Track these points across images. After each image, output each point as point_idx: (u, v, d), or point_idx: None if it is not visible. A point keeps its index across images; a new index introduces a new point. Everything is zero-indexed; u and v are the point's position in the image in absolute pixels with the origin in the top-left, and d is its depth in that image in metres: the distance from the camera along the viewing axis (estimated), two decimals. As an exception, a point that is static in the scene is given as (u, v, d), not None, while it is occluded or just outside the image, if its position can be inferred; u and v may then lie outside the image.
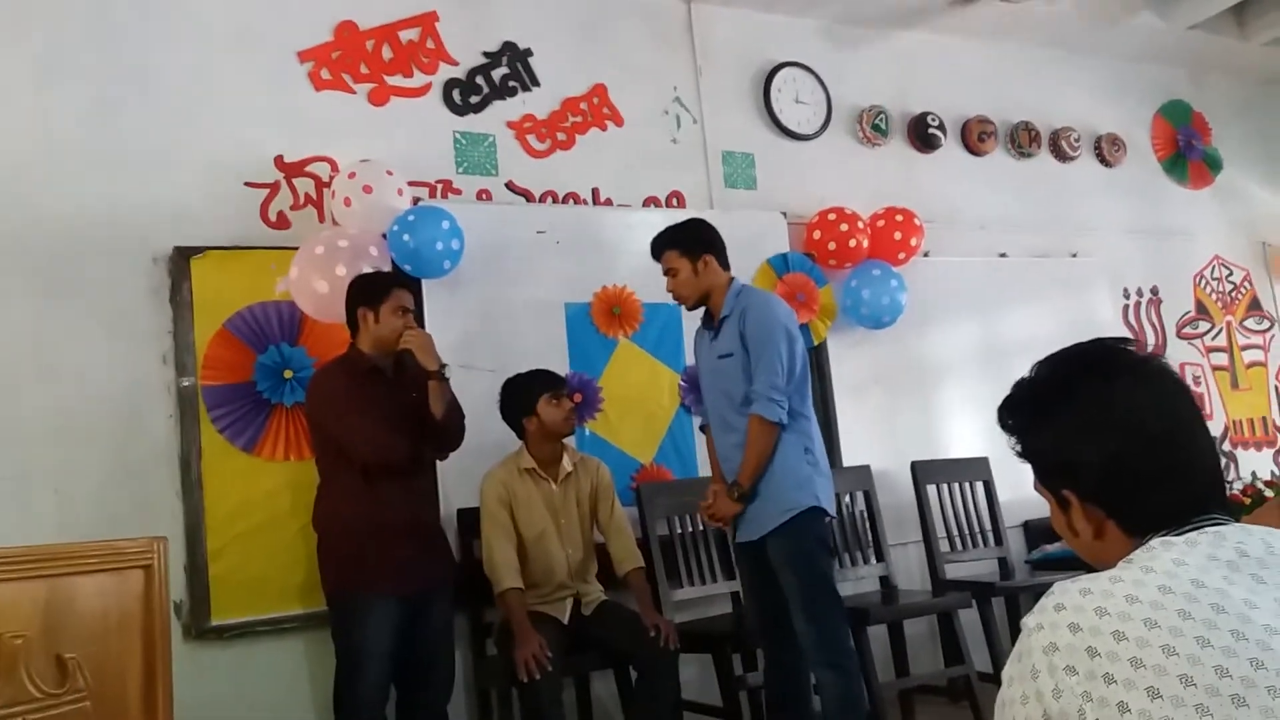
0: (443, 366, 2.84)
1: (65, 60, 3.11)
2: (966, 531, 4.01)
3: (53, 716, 1.65)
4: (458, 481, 3.20)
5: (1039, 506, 4.33)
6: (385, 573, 2.72)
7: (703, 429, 3.19)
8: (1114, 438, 0.96)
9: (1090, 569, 0.95)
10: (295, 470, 3.12)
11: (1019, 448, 1.05)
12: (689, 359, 3.74)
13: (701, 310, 3.03)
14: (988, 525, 4.07)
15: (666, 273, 2.99)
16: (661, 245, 2.99)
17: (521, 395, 3.12)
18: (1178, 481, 0.95)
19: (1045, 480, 1.03)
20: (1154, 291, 5.08)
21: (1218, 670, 0.78)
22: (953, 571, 3.91)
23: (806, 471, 2.83)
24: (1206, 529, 0.91)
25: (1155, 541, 0.91)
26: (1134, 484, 0.95)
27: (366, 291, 2.88)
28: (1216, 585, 0.84)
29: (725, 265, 2.99)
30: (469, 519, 3.21)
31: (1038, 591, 4.11)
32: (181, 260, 3.12)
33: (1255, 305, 5.39)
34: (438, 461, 3.04)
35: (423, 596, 2.80)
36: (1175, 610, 0.82)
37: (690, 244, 2.95)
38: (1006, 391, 1.09)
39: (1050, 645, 0.84)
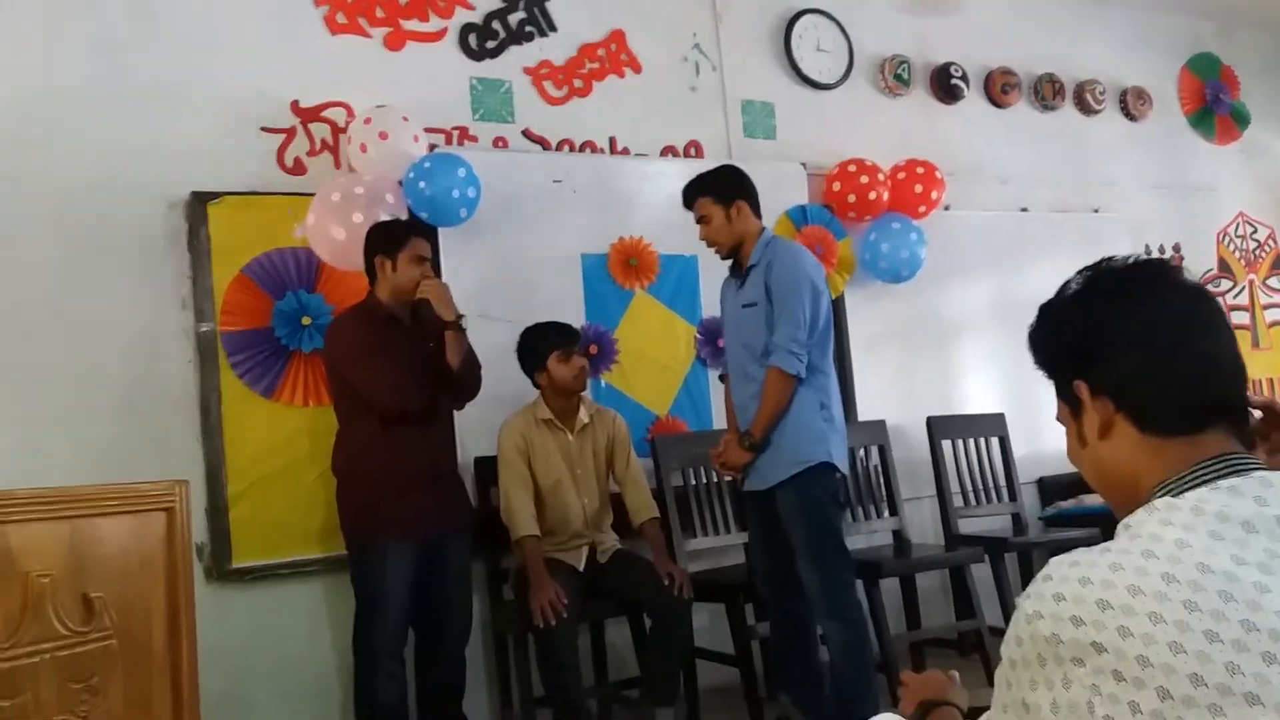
0: (460, 317, 2.84)
1: (75, 1, 3.07)
2: (980, 487, 4.02)
3: (80, 653, 1.68)
4: (476, 430, 3.21)
5: (1054, 463, 4.35)
6: (402, 519, 2.75)
7: (722, 378, 3.18)
8: (1139, 320, 0.93)
9: (1093, 539, 0.92)
10: (314, 416, 3.14)
11: (1043, 349, 1.03)
12: (705, 311, 3.73)
13: (729, 262, 3.01)
14: (1002, 481, 4.07)
15: (699, 220, 2.95)
16: (694, 191, 2.96)
17: (533, 350, 3.13)
18: (1199, 371, 0.92)
19: (1061, 373, 1.00)
20: (1176, 249, 5.02)
21: (1229, 667, 0.75)
22: (966, 526, 3.93)
23: (821, 427, 2.82)
24: (1219, 485, 0.86)
25: (1159, 502, 0.87)
26: (1153, 367, 0.92)
27: (384, 240, 2.87)
28: (1224, 568, 0.79)
29: (758, 213, 2.96)
30: (486, 467, 3.23)
31: (1051, 548, 4.14)
32: (199, 205, 3.11)
33: (1279, 264, 5.32)
34: (455, 411, 3.05)
35: (439, 542, 2.83)
36: (1181, 602, 0.78)
37: (723, 190, 2.91)
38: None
39: (1053, 636, 0.81)
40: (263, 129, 3.26)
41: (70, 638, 1.67)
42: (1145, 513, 0.87)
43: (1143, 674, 0.76)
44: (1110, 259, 0.99)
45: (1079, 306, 0.99)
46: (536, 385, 3.17)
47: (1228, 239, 5.22)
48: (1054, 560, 0.87)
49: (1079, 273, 1.00)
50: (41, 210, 2.96)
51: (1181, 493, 0.87)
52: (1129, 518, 0.89)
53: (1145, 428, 0.92)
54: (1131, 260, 0.99)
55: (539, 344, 3.12)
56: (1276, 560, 0.80)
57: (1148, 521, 0.86)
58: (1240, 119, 5.33)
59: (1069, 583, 0.83)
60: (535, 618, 2.81)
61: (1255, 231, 5.31)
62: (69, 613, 1.67)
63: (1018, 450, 4.11)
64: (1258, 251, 5.30)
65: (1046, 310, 1.02)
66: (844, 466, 2.89)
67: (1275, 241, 5.36)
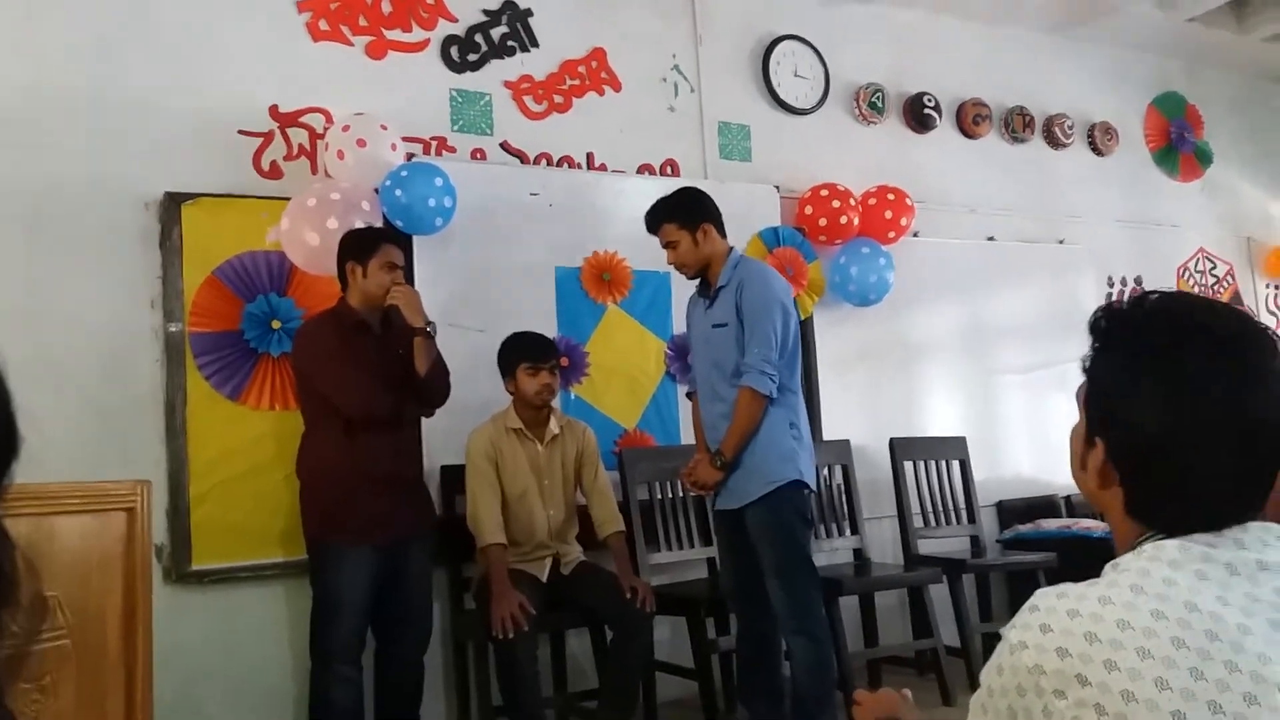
0: (428, 324, 2.85)
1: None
2: (940, 509, 4.08)
3: (33, 653, 1.67)
4: (443, 438, 3.22)
5: (1013, 487, 4.41)
6: (364, 523, 2.76)
7: (689, 396, 3.21)
8: (1163, 409, 0.85)
9: (1065, 570, 0.92)
10: (280, 420, 3.13)
11: (1088, 360, 0.94)
12: (677, 327, 3.77)
13: (697, 278, 3.04)
14: (961, 503, 4.13)
15: (666, 245, 2.97)
16: (658, 218, 2.96)
17: (505, 358, 3.15)
18: (1210, 491, 0.86)
19: (1086, 408, 0.94)
20: (1138, 281, 5.14)
21: (1211, 706, 0.75)
22: (925, 547, 3.98)
23: (790, 445, 2.86)
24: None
25: (1147, 547, 0.87)
26: (1161, 475, 0.87)
27: (356, 246, 2.89)
28: (1210, 608, 0.80)
29: (723, 233, 2.98)
30: (452, 475, 3.24)
31: (1008, 570, 4.21)
32: (172, 206, 3.10)
33: (1237, 300, 5.45)
34: (424, 418, 3.06)
35: (401, 547, 2.84)
36: (1169, 638, 0.78)
37: (688, 215, 2.93)
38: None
39: (1036, 667, 0.81)
40: (240, 132, 3.27)
41: (17, 636, 1.66)
42: (1133, 556, 0.87)
43: (1126, 709, 0.77)
44: (1190, 297, 0.91)
45: (1120, 353, 0.90)
46: (511, 393, 3.20)
47: (1188, 274, 5.35)
48: (1040, 592, 0.87)
49: (1146, 295, 0.91)
50: (14, 205, 2.94)
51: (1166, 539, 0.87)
52: (1117, 559, 0.89)
53: (1132, 515, 0.90)
54: (1205, 305, 0.90)
55: (512, 353, 3.15)
56: (1256, 604, 0.81)
57: (1135, 561, 0.86)
58: (1203, 158, 5.47)
59: (1056, 614, 0.83)
60: (495, 629, 2.82)
61: (1214, 268, 5.45)
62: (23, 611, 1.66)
63: (978, 473, 4.18)
64: (1216, 287, 5.43)
65: (1101, 327, 0.93)
66: (813, 484, 2.93)
67: (1233, 278, 5.49)
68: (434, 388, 2.93)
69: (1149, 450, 0.87)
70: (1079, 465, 0.95)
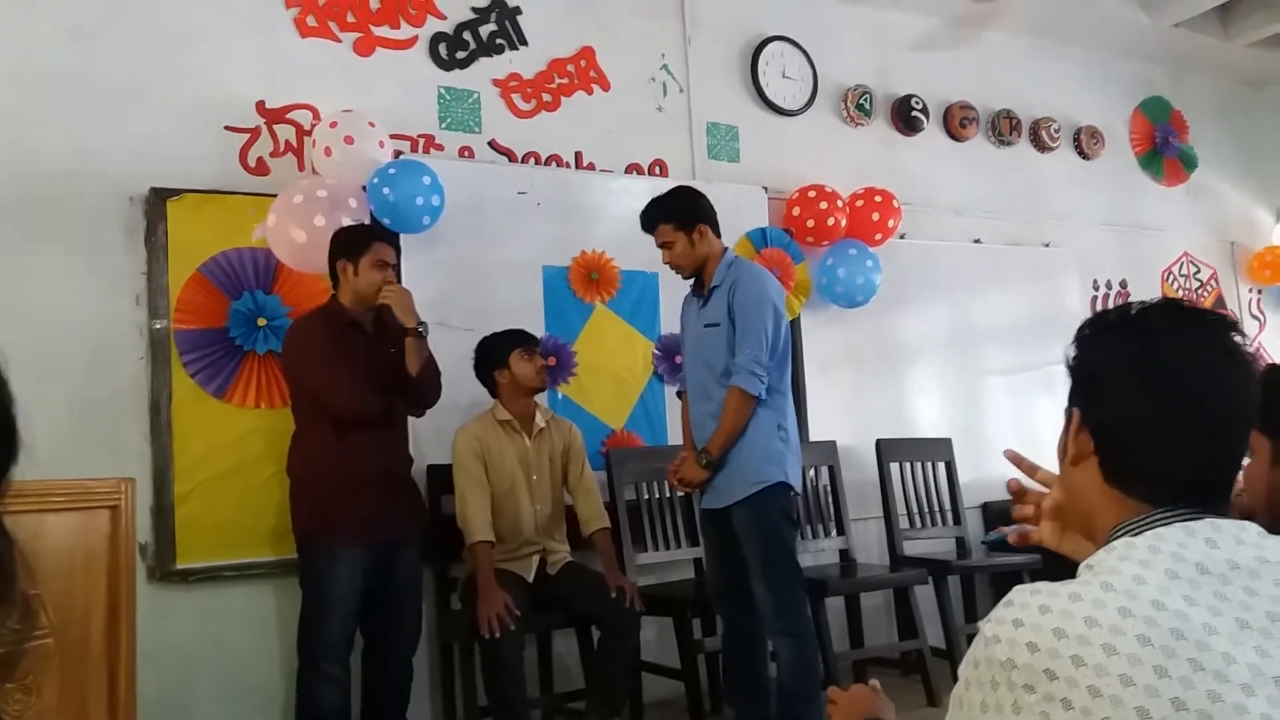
0: (420, 324, 2.84)
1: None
2: (926, 510, 4.09)
3: (22, 652, 1.66)
4: (430, 438, 3.21)
5: (998, 489, 4.42)
6: (354, 523, 2.74)
7: (679, 394, 3.22)
8: (1138, 372, 0.92)
9: (1048, 571, 0.92)
10: (266, 418, 3.12)
11: (1074, 357, 1.00)
12: (664, 327, 3.77)
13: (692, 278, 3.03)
14: (947, 505, 4.15)
15: (661, 245, 2.96)
16: (654, 218, 2.95)
17: (495, 350, 3.15)
18: (1183, 448, 0.90)
19: (1070, 395, 1.00)
20: (1123, 285, 5.17)
21: (1174, 703, 0.77)
22: (911, 548, 4.00)
23: (778, 447, 2.86)
24: (1174, 524, 0.88)
25: (1118, 543, 0.89)
26: (1137, 431, 0.92)
27: (347, 244, 2.87)
28: (1177, 607, 0.81)
29: (718, 233, 2.98)
30: (440, 475, 3.23)
31: (993, 572, 4.23)
32: (158, 202, 3.08)
33: (1220, 304, 5.50)
34: (414, 418, 3.05)
35: (391, 547, 2.83)
36: (1135, 636, 0.80)
37: (684, 216, 2.92)
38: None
39: (1008, 661, 0.83)
40: (227, 128, 3.25)
41: (5, 635, 1.64)
42: (1104, 553, 0.89)
43: (1091, 704, 0.78)
44: (1152, 303, 0.97)
45: (1096, 337, 0.98)
46: (493, 391, 3.19)
47: (1172, 277, 5.39)
48: (1017, 588, 0.89)
49: (1126, 304, 0.99)
50: (-2, 198, 2.92)
51: (1140, 532, 0.89)
52: (1090, 558, 0.91)
53: (1110, 479, 0.94)
54: (1163, 302, 0.97)
55: (503, 344, 3.16)
56: (1225, 603, 0.82)
57: (1107, 559, 0.88)
58: (1188, 162, 5.51)
59: (1029, 610, 0.84)
60: (482, 628, 2.81)
61: (1199, 271, 5.49)
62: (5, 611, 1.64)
63: (963, 475, 4.20)
64: (1200, 291, 5.47)
65: (1084, 328, 1.00)
66: (799, 486, 2.94)
67: (1217, 282, 5.54)
68: (426, 388, 2.92)
69: (1124, 399, 0.92)
70: (1060, 455, 0.99)
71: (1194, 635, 0.80)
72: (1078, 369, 0.99)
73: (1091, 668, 0.79)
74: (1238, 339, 0.93)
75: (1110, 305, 5.32)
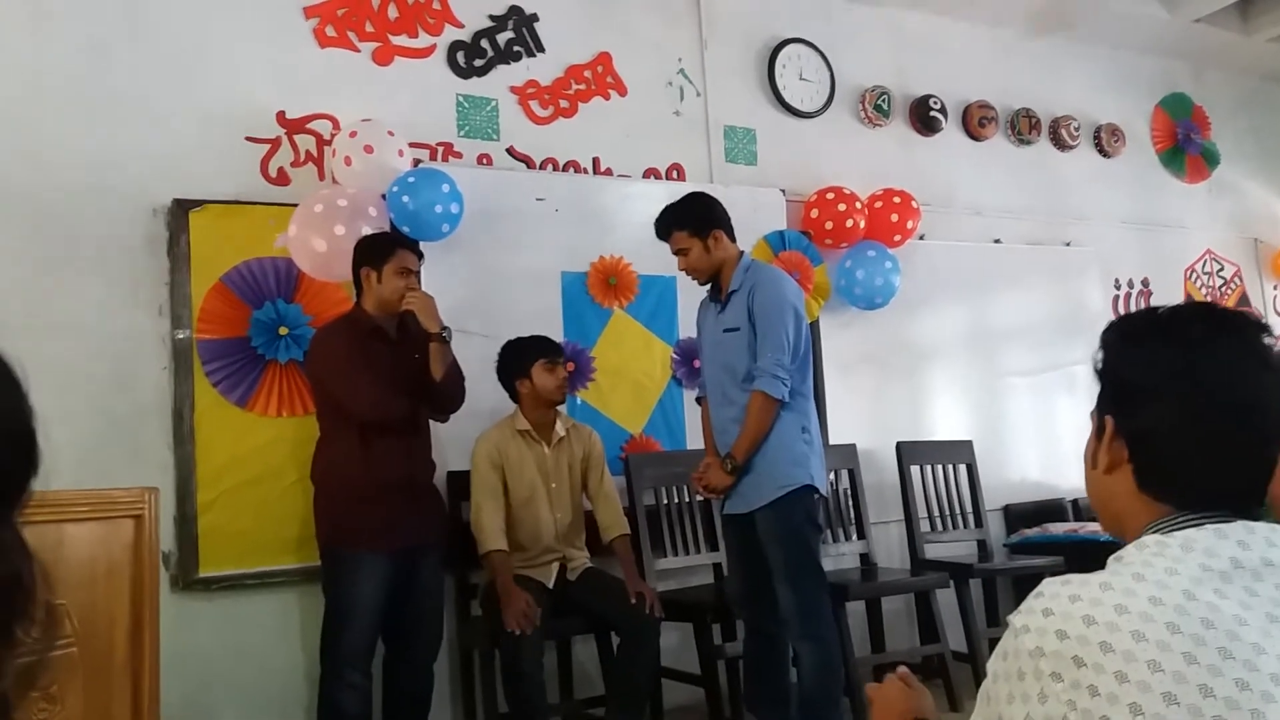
0: (444, 329, 2.86)
1: (61, 3, 3.08)
2: (947, 513, 4.06)
3: (44, 662, 1.67)
4: (450, 444, 3.22)
5: (1020, 491, 4.40)
6: (378, 530, 2.76)
7: (699, 400, 3.21)
8: (1184, 399, 0.91)
9: (1080, 564, 0.92)
10: (288, 426, 3.14)
11: (1100, 362, 0.99)
12: (683, 332, 3.77)
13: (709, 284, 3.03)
14: (969, 507, 4.12)
15: (677, 252, 2.96)
16: (668, 226, 2.95)
17: (518, 358, 3.15)
18: (1218, 459, 0.90)
19: (1101, 396, 0.99)
20: (1145, 283, 5.12)
21: (1202, 689, 0.77)
22: (932, 551, 3.97)
23: (802, 449, 2.85)
24: (1206, 525, 0.88)
25: (1149, 539, 0.89)
26: (1172, 441, 0.91)
27: (370, 251, 2.89)
28: (1208, 599, 0.82)
29: (733, 238, 2.98)
30: (459, 482, 3.24)
31: (1015, 575, 4.19)
32: (180, 212, 3.11)
33: (1245, 302, 5.43)
34: (437, 423, 3.07)
35: (414, 554, 2.84)
36: (1164, 624, 0.80)
37: (699, 222, 2.92)
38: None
39: (1037, 649, 0.83)
40: (247, 138, 3.27)
41: (31, 644, 1.66)
42: (1135, 548, 0.90)
43: (1118, 689, 0.78)
44: (1185, 307, 0.97)
45: (1128, 344, 0.97)
46: (514, 398, 3.19)
47: (1195, 276, 5.33)
48: (1046, 580, 0.89)
49: (1152, 308, 0.99)
50: (22, 210, 2.95)
51: (1171, 532, 0.89)
52: (1119, 552, 0.91)
53: (1144, 487, 0.94)
54: (1192, 305, 0.97)
55: (524, 353, 3.15)
56: (1255, 598, 0.83)
57: (1138, 554, 0.89)
58: (1210, 159, 5.45)
59: (1059, 599, 0.85)
60: (509, 625, 2.81)
61: (1222, 269, 5.43)
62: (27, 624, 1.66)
63: (985, 477, 4.17)
64: (1224, 289, 5.41)
65: (1111, 332, 0.99)
66: (824, 488, 2.93)
67: (1240, 280, 5.47)
68: (449, 393, 2.93)
69: (1160, 408, 0.91)
70: (1090, 465, 0.99)
71: (1224, 625, 0.80)
72: (1109, 376, 0.98)
73: (1120, 654, 0.79)
74: (1269, 342, 0.93)
75: (1132, 304, 5.28)
